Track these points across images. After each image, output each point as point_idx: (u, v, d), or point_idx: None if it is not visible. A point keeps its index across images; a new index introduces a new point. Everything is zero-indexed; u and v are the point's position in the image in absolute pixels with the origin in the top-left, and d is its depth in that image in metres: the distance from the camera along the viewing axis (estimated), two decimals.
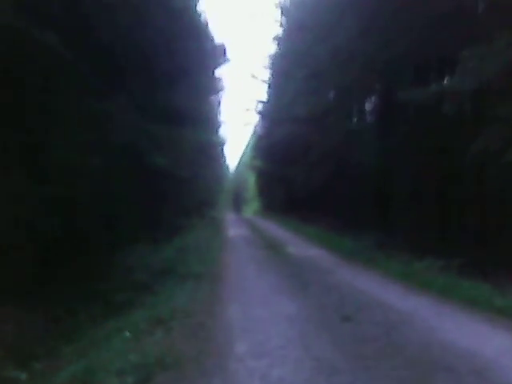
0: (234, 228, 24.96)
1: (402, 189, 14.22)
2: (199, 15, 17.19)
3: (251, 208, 54.93)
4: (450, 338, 4.58)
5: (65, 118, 8.04)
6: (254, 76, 39.61)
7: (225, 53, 20.03)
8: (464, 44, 8.48)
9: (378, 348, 4.27)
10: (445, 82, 11.89)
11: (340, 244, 13.35)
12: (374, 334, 4.75)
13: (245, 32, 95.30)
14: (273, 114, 29.00)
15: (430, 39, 10.16)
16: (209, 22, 21.48)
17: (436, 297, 6.64)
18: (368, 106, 18.55)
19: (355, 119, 19.50)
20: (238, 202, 66.51)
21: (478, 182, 11.16)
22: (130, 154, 10.21)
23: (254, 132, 44.22)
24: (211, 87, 23.20)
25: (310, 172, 20.46)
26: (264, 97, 33.11)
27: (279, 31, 26.30)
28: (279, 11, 24.27)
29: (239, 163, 67.53)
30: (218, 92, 26.84)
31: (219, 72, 23.95)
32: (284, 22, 24.55)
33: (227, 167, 62.11)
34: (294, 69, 19.45)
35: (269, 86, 31.82)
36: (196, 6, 16.52)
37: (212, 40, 19.31)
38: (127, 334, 4.98)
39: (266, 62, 31.22)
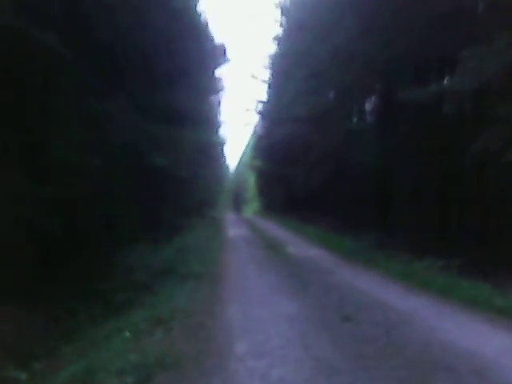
0: (233, 228, 24.95)
1: (402, 189, 14.19)
2: (199, 15, 17.21)
3: (251, 208, 54.90)
4: (450, 338, 4.58)
5: (65, 117, 8.04)
6: (253, 76, 39.66)
7: (225, 53, 20.04)
8: (464, 44, 8.48)
9: (378, 348, 4.27)
10: (445, 81, 11.89)
11: (340, 244, 13.34)
12: (374, 333, 4.75)
13: (245, 32, 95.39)
14: (273, 113, 28.99)
15: (430, 39, 10.16)
16: (209, 22, 21.53)
17: (436, 297, 6.64)
18: (368, 106, 18.54)
19: (355, 119, 19.49)
20: (238, 202, 66.46)
21: (478, 181, 11.14)
22: (130, 154, 10.21)
23: (254, 132, 44.22)
24: (211, 87, 23.20)
25: (310, 172, 20.46)
26: (264, 97, 33.15)
27: (279, 31, 26.33)
28: (279, 11, 24.28)
29: (239, 163, 67.56)
30: (217, 92, 26.85)
31: (219, 72, 24.00)
32: (284, 22, 24.55)
33: (227, 167, 62.20)
34: (294, 69, 19.44)
35: (269, 86, 31.81)
36: (196, 6, 16.54)
37: (212, 40, 19.33)
38: (127, 334, 4.98)
39: (266, 62, 31.26)
